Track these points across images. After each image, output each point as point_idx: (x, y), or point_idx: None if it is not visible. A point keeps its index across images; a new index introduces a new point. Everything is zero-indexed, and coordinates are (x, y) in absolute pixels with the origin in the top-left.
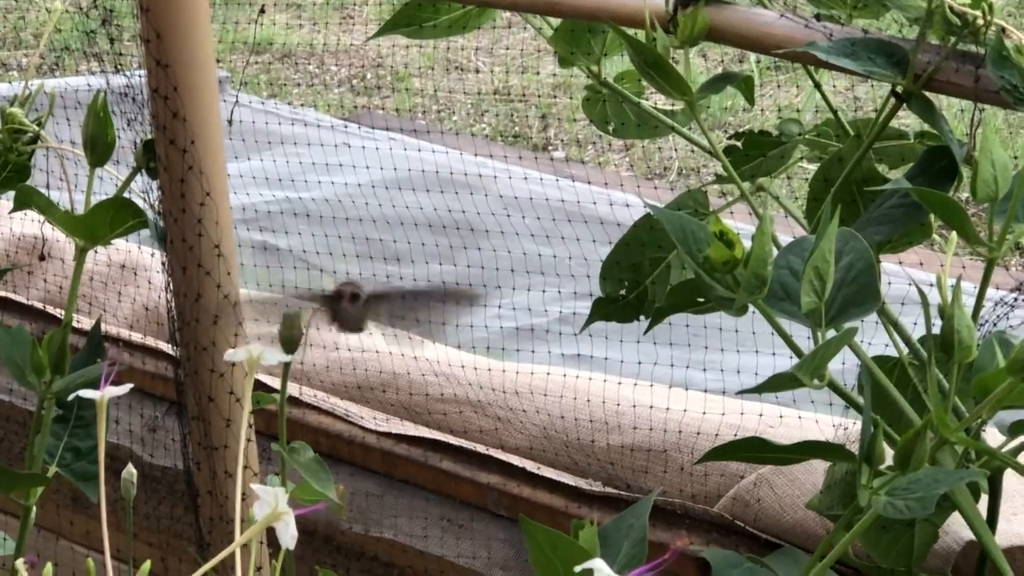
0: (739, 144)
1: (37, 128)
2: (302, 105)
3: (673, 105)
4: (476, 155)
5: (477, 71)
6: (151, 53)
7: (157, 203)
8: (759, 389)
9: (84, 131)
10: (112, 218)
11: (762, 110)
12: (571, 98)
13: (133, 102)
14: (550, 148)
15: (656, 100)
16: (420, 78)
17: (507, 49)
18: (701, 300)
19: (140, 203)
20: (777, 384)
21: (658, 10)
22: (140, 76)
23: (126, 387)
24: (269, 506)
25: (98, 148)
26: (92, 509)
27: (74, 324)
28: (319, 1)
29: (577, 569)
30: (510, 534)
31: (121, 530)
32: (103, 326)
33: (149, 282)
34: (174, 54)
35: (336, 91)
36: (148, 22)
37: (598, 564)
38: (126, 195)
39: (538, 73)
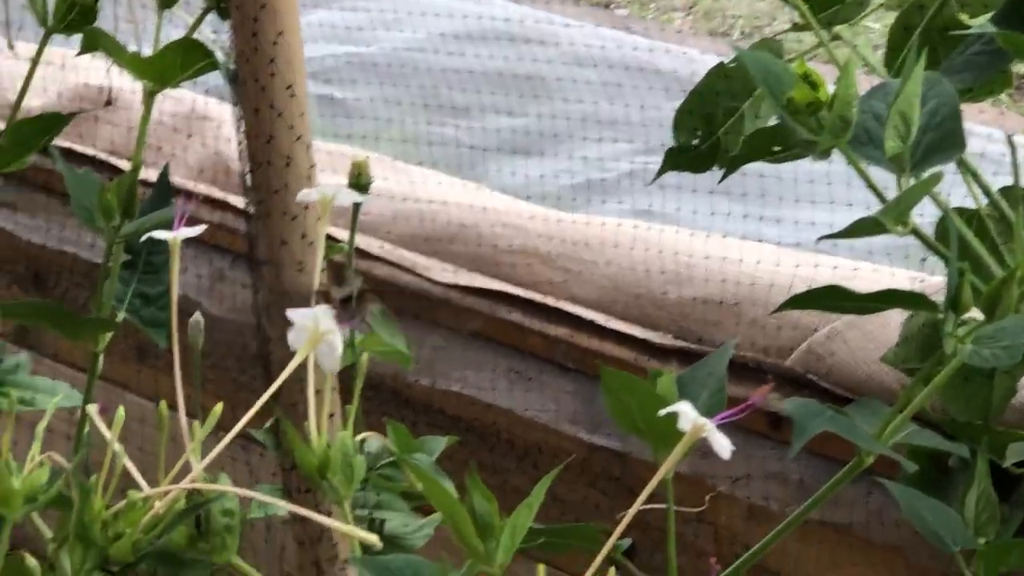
0: None
1: None
2: None
3: None
4: (539, 9)
5: None
6: None
7: (228, 44)
8: (843, 235)
9: None
10: (182, 60)
11: None
12: None
13: None
14: (612, 5)
15: None
16: None
17: None
18: (777, 149)
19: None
20: (861, 229)
21: None
22: None
23: (199, 228)
24: (308, 330)
25: None
26: (157, 361)
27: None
28: None
29: (662, 412)
30: (578, 387)
31: (187, 383)
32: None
33: (219, 129)
34: None
35: None
36: None
37: (683, 407)
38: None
39: None
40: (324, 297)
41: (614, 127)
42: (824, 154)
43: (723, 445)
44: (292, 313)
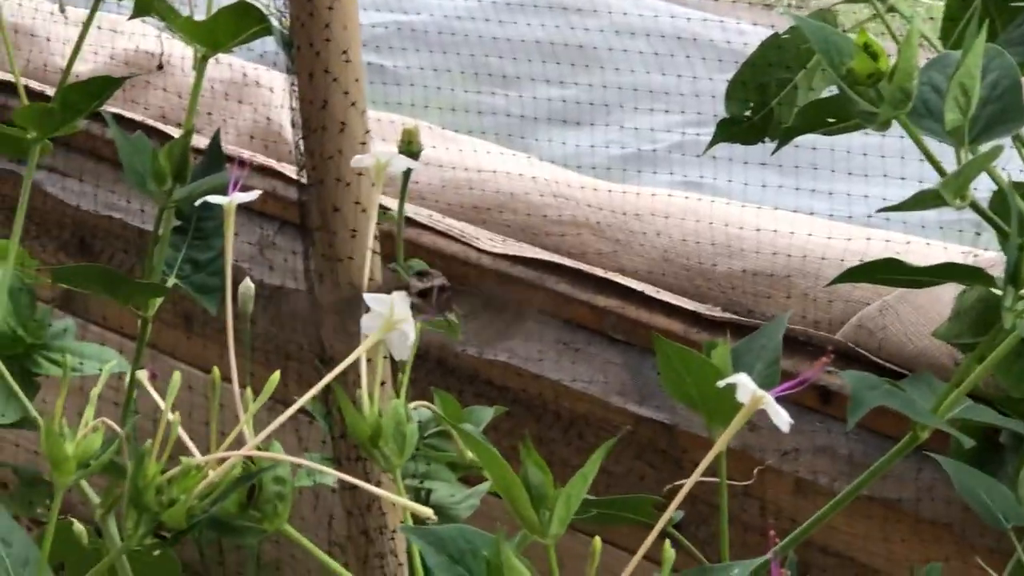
0: None
1: None
2: None
3: None
4: None
5: None
6: None
7: (282, 7)
8: (901, 207)
9: None
10: (235, 24)
11: None
12: None
13: None
14: None
15: None
16: None
17: None
18: (832, 121)
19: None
20: (920, 202)
21: None
22: None
23: (255, 193)
24: (382, 317)
25: None
26: (204, 328)
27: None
28: None
29: (721, 384)
30: (627, 358)
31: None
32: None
33: (268, 96)
34: None
35: None
36: None
37: (741, 379)
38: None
39: None
40: (404, 288)
41: (663, 98)
42: (883, 126)
43: (782, 418)
44: (368, 298)
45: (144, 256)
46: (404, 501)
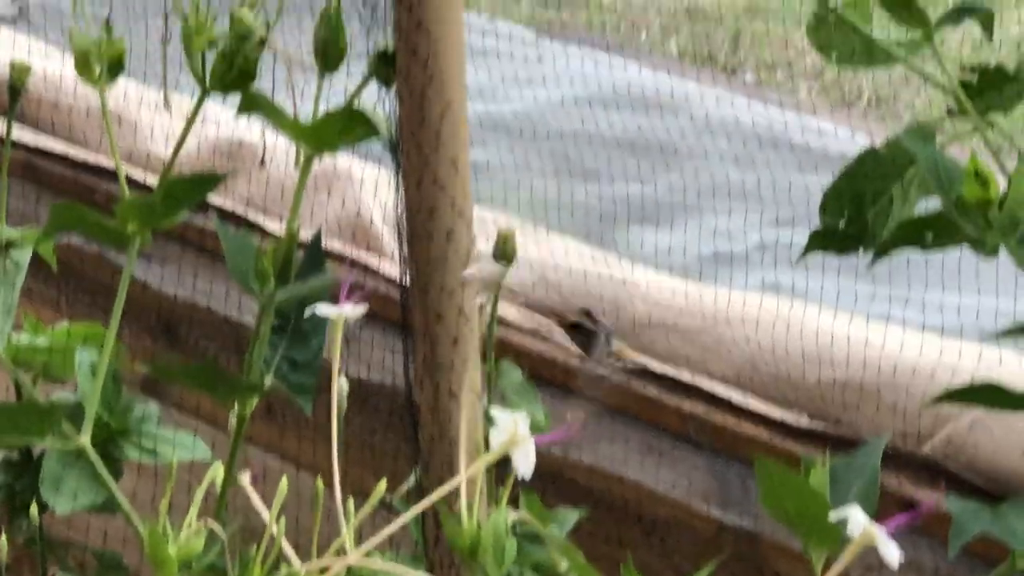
0: (973, 79)
1: (265, 31)
2: (492, 16)
3: (902, 35)
4: (670, 74)
5: None
6: None
7: (390, 113)
8: (1007, 335)
9: (315, 36)
10: (343, 126)
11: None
12: (763, 22)
13: (364, 5)
14: (740, 71)
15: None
16: None
17: None
18: (929, 236)
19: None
20: None
21: None
22: None
23: (362, 307)
24: (507, 432)
25: (329, 54)
26: (284, 417)
27: (271, 230)
28: None
29: (832, 517)
30: (712, 464)
31: (316, 441)
32: (303, 232)
33: (358, 187)
34: None
35: (526, 3)
36: None
37: (854, 512)
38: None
39: None
40: (573, 327)
41: (744, 198)
42: (991, 252)
43: (892, 555)
44: (496, 413)
45: (231, 345)
46: None
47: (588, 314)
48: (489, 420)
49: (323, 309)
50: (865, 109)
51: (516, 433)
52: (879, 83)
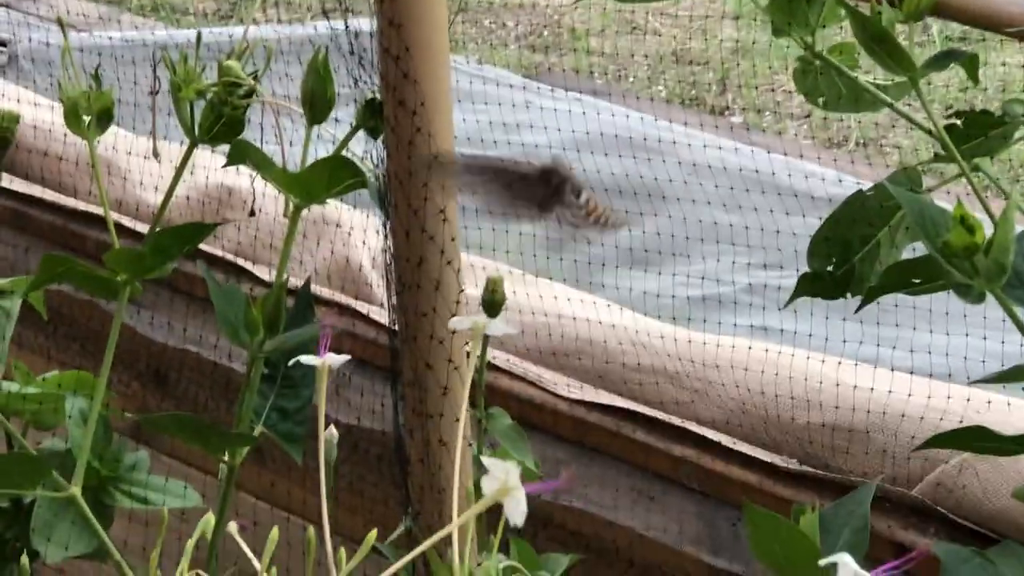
0: (959, 123)
1: (253, 82)
2: (479, 61)
3: (888, 79)
4: (656, 118)
5: (656, 33)
6: (383, 11)
7: (378, 163)
8: (996, 379)
9: (303, 87)
10: (330, 177)
11: (947, 85)
12: (750, 63)
13: (352, 55)
14: (727, 113)
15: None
16: (597, 37)
17: (686, 10)
18: (917, 281)
19: (358, 162)
20: (1014, 376)
21: None
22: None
23: (344, 357)
24: (498, 481)
25: (317, 105)
26: (272, 464)
27: (260, 277)
28: None
29: (823, 563)
30: (702, 508)
31: (307, 487)
32: (292, 279)
33: (346, 235)
34: (407, 13)
35: (513, 47)
36: None
37: (845, 559)
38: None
39: (717, 36)
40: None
41: (732, 240)
42: (978, 298)
43: None
44: (487, 461)
45: (221, 391)
46: None
47: (552, 169)
48: (479, 466)
49: (308, 360)
50: (853, 149)
51: (507, 482)
52: (867, 124)
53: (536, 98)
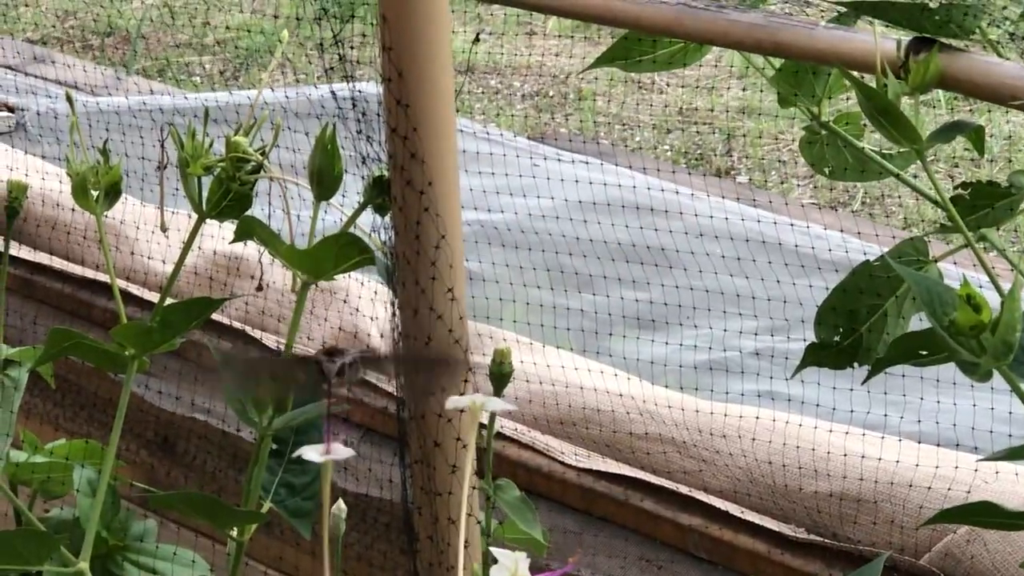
0: (965, 194)
1: (261, 157)
2: (484, 120)
3: (892, 149)
4: (662, 181)
5: (661, 91)
6: (391, 92)
7: (386, 241)
8: (1007, 457)
9: (311, 163)
10: (338, 253)
11: (953, 153)
12: (756, 122)
13: (359, 134)
14: (733, 172)
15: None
16: (603, 97)
17: (692, 69)
18: (923, 353)
19: (366, 239)
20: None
21: (888, 55)
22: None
23: (349, 451)
24: (507, 570)
25: (324, 181)
26: (281, 535)
27: (269, 346)
28: (501, 14)
29: None
30: None
31: (316, 557)
32: (297, 348)
33: (352, 305)
34: (415, 93)
35: (519, 107)
36: (390, 61)
37: None
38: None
39: (723, 96)
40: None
41: (739, 303)
42: (984, 377)
43: None
44: (497, 553)
45: (229, 459)
46: None
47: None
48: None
49: (310, 454)
50: (858, 209)
51: (516, 572)
52: (872, 183)
53: (541, 159)
